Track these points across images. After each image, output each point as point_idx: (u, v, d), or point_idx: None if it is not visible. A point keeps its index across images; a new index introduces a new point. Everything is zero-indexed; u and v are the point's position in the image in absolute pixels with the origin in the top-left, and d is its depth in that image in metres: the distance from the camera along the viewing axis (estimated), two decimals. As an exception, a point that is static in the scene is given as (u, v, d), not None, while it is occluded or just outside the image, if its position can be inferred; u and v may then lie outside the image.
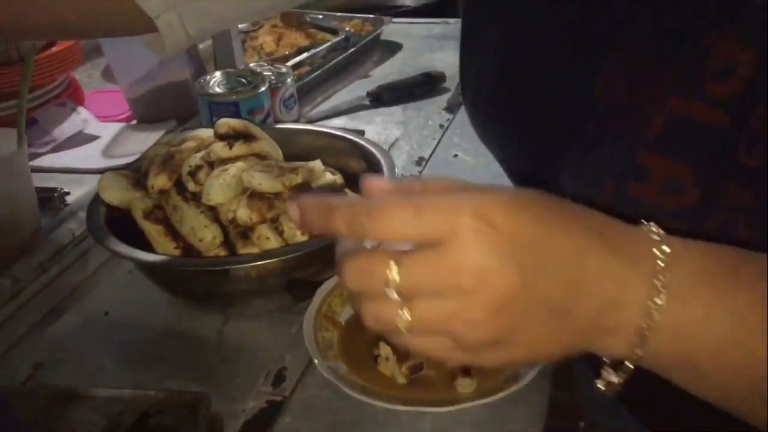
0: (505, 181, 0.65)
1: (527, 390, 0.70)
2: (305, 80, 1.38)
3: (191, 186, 0.80)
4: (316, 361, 0.72)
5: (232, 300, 0.78)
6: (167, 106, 1.25)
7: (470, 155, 1.15)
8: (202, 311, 0.82)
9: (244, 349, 0.77)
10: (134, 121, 1.27)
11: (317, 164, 0.84)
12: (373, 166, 0.85)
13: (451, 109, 1.27)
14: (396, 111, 1.33)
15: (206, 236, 0.78)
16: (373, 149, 0.92)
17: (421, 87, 1.33)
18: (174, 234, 0.80)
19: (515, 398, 0.70)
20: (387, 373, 0.72)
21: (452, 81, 1.32)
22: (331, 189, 0.81)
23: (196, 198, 0.79)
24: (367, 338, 0.77)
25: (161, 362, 0.79)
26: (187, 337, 0.79)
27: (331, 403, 0.70)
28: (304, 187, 0.83)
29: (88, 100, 1.30)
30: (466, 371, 0.71)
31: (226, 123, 0.85)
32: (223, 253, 0.76)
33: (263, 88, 1.12)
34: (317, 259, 0.76)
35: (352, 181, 0.85)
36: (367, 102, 1.35)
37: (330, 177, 0.84)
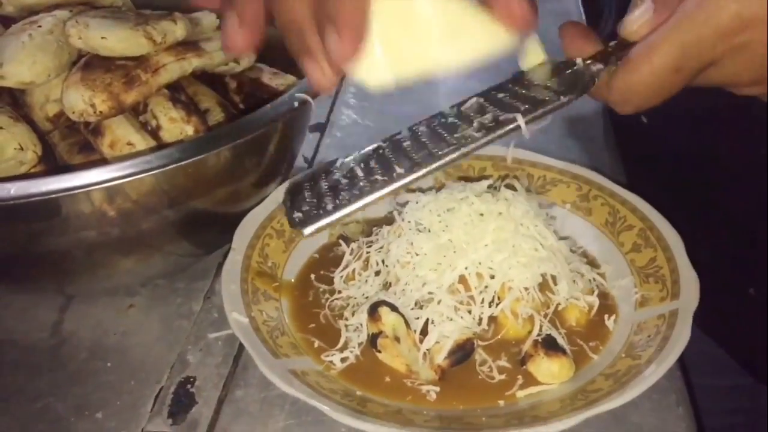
0: None
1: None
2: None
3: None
4: (259, 363, 0.35)
5: (73, 264, 0.39)
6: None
7: None
8: (22, 292, 0.49)
9: (107, 353, 0.40)
10: None
11: (206, 15, 0.47)
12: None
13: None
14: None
15: (5, 147, 0.40)
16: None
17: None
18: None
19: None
20: (398, 367, 0.37)
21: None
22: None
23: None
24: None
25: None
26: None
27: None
28: (189, 49, 0.46)
29: None
30: (552, 345, 0.37)
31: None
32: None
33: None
34: (232, 170, 0.39)
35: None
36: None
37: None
